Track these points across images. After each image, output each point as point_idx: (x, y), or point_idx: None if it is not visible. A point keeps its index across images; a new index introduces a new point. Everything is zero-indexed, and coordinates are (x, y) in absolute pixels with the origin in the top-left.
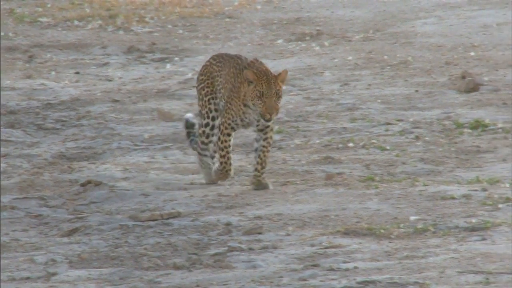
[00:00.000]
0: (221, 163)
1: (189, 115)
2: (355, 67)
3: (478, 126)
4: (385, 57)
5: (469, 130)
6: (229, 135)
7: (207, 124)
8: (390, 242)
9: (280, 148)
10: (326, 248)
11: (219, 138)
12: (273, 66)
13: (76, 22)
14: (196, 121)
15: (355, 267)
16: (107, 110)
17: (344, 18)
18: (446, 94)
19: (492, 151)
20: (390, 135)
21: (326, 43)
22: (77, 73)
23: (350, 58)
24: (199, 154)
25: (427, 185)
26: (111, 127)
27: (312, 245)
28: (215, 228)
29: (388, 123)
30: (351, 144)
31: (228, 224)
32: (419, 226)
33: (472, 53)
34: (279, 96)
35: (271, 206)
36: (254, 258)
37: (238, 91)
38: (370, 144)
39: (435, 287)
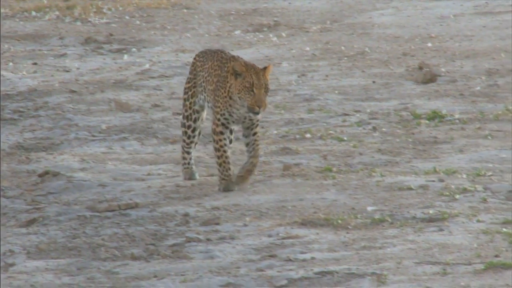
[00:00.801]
0: (219, 167)
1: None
2: (312, 58)
3: (435, 117)
4: (343, 48)
5: (426, 121)
6: (222, 133)
7: (189, 126)
8: (348, 233)
9: (238, 139)
10: (284, 238)
11: (213, 139)
12: None
13: (33, 13)
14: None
15: (313, 258)
16: (65, 101)
17: (301, 9)
18: (403, 85)
19: (449, 142)
20: (348, 126)
21: (283, 34)
22: (35, 64)
23: (307, 49)
24: (182, 149)
25: (384, 175)
26: (69, 118)
27: (270, 236)
28: (172, 218)
29: (346, 114)
30: (308, 135)
31: (186, 214)
32: (377, 216)
33: (429, 44)
34: (267, 90)
35: (229, 197)
36: (211, 248)
37: (224, 82)
38: (328, 135)
39: (392, 278)
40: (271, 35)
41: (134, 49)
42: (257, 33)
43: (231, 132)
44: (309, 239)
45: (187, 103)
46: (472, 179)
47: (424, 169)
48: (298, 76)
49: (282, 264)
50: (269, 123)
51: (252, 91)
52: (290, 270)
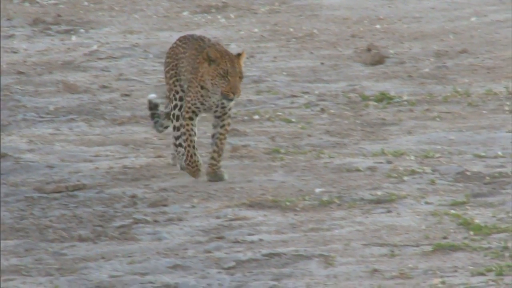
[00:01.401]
0: (185, 152)
1: (152, 96)
2: (261, 39)
3: (383, 98)
4: (291, 29)
5: (375, 103)
6: (190, 118)
7: (175, 106)
8: (296, 215)
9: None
10: (231, 220)
11: (181, 124)
12: None
13: None
14: (159, 101)
15: (260, 240)
16: (13, 82)
17: None
18: (351, 66)
19: (397, 124)
20: (296, 107)
21: (232, 16)
22: None
23: (256, 30)
24: (173, 138)
25: (332, 157)
26: (17, 99)
27: (217, 217)
28: (120, 200)
29: (294, 96)
30: (256, 117)
31: (134, 196)
32: (324, 198)
33: (378, 26)
34: (241, 77)
35: (176, 178)
36: (159, 230)
37: (196, 72)
38: (276, 117)
39: (340, 260)
40: (219, 17)
41: (82, 30)
42: (205, 15)
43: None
44: (257, 221)
45: (172, 85)
46: (420, 161)
47: (372, 151)
48: (247, 58)
49: (230, 246)
50: None
51: (227, 77)
52: (238, 252)
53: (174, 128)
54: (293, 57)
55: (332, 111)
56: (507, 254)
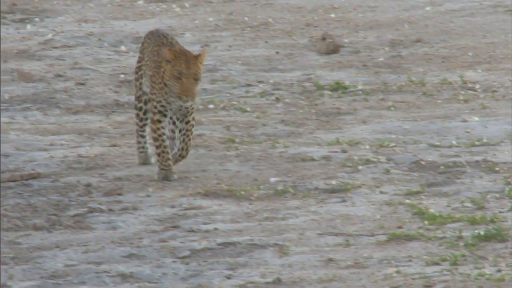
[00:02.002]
0: (158, 157)
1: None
2: (215, 28)
3: (338, 88)
4: (246, 18)
5: (329, 92)
6: (159, 121)
7: (140, 108)
8: (250, 204)
9: None
10: (186, 209)
11: (151, 129)
12: (134, 27)
13: None
14: None
15: (215, 229)
16: None
17: None
18: (306, 55)
19: (352, 113)
20: (251, 96)
21: (186, 4)
22: None
23: (210, 19)
24: (136, 132)
25: (287, 146)
26: None
27: (172, 207)
28: (75, 189)
29: (249, 85)
30: (211, 106)
31: (88, 185)
32: (279, 187)
33: (333, 15)
34: (197, 79)
35: (131, 167)
36: (114, 219)
37: (158, 68)
38: (231, 106)
39: (294, 249)
40: (174, 6)
41: (37, 19)
42: (160, 3)
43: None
44: (212, 210)
45: (137, 83)
46: (375, 150)
47: (327, 140)
48: (201, 47)
49: (185, 235)
50: None
51: (180, 79)
52: (193, 241)
53: (137, 125)
54: (248, 46)
55: (287, 100)
56: (461, 243)
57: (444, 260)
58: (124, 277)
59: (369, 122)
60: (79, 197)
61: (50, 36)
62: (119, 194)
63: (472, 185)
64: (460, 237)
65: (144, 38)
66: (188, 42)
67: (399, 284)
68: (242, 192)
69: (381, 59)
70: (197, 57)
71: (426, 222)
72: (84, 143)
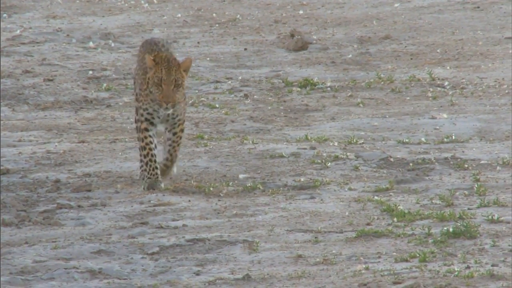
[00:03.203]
0: (145, 166)
1: None
2: (184, 25)
3: (306, 84)
4: (214, 15)
5: (298, 89)
6: (146, 130)
7: (139, 121)
8: (219, 200)
9: (108, 106)
10: (155, 206)
11: (138, 138)
12: (102, 23)
13: None
14: None
15: (184, 225)
16: None
17: None
18: (275, 52)
19: (320, 110)
20: (219, 93)
21: (155, 0)
22: None
23: (179, 15)
24: (139, 150)
25: (256, 143)
26: None
27: (141, 203)
28: (44, 185)
29: (217, 81)
30: None
31: (57, 181)
32: (248, 184)
33: (301, 12)
34: (178, 85)
35: (100, 163)
36: (83, 215)
37: (145, 75)
38: (199, 102)
39: (264, 245)
40: (142, 1)
41: (5, 15)
42: None
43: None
44: (181, 206)
45: (135, 93)
46: (343, 147)
47: (296, 137)
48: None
49: (153, 231)
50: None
51: (161, 86)
52: (162, 237)
53: (139, 139)
54: (216, 43)
55: (255, 97)
56: (430, 240)
57: (413, 256)
58: (93, 273)
59: (337, 119)
60: (48, 193)
61: (18, 32)
62: (88, 190)
63: (441, 182)
64: (429, 234)
65: (140, 47)
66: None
67: (368, 280)
68: (211, 189)
69: (350, 56)
70: (179, 64)
71: (395, 219)
72: (52, 139)
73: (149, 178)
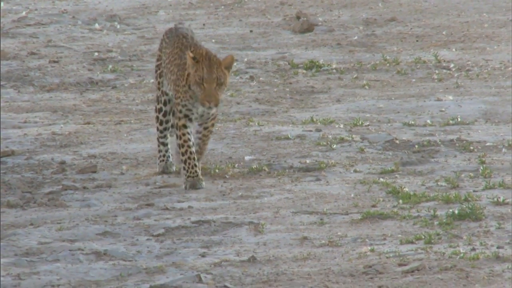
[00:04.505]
0: (184, 164)
1: None
2: (189, 7)
3: (312, 66)
4: None
5: (304, 71)
6: (185, 126)
7: (160, 110)
8: (225, 182)
9: (114, 87)
10: (161, 187)
11: (176, 135)
12: (107, 5)
13: None
14: None
15: (190, 207)
16: None
17: None
18: (280, 34)
19: (326, 92)
20: None
21: None
22: None
23: None
24: (157, 141)
25: (261, 125)
26: None
27: (147, 185)
28: (49, 166)
29: None
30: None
31: (62, 162)
32: (254, 166)
33: None
34: (220, 84)
35: (105, 145)
36: (88, 197)
37: (183, 71)
38: None
39: (269, 227)
40: None
41: None
42: None
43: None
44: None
45: (156, 82)
46: (349, 129)
47: (301, 119)
48: (175, 25)
49: (159, 213)
50: (146, 72)
51: (203, 85)
52: (167, 219)
53: (157, 129)
54: (222, 25)
55: (261, 79)
56: (436, 222)
57: (419, 238)
58: (98, 254)
59: (343, 101)
60: (53, 174)
61: (23, 13)
62: (93, 172)
63: (446, 164)
64: (434, 216)
65: (163, 36)
66: (162, 20)
67: (373, 262)
68: (217, 170)
69: (355, 38)
70: (221, 61)
71: (400, 201)
72: (58, 120)
73: (189, 176)
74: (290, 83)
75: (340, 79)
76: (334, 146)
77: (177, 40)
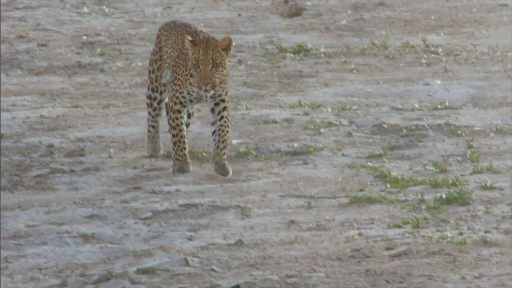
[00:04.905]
0: (174, 146)
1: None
2: None
3: (300, 50)
4: None
5: (292, 55)
6: (179, 111)
7: (155, 98)
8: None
9: (102, 71)
10: (148, 170)
11: (170, 117)
12: None
13: None
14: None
15: (177, 190)
16: None
17: None
18: (269, 18)
19: (314, 76)
20: None
21: None
22: None
23: None
24: (148, 122)
25: (249, 109)
26: None
27: (135, 168)
28: (37, 149)
29: None
30: None
31: (50, 146)
32: (241, 149)
33: None
34: (216, 64)
35: (93, 128)
36: (76, 180)
37: (185, 59)
38: None
39: (256, 211)
40: None
41: None
42: None
43: (189, 116)
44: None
45: (153, 75)
46: (337, 113)
47: (289, 103)
48: (164, 9)
49: (146, 196)
50: (134, 55)
51: (198, 67)
52: (155, 202)
53: (149, 114)
54: (210, 8)
55: (249, 62)
56: (423, 206)
57: (406, 223)
58: (86, 237)
59: (331, 85)
60: (41, 157)
61: None
62: (81, 155)
63: (434, 149)
64: (422, 200)
65: (160, 30)
66: (150, 3)
67: (360, 246)
68: (204, 154)
69: (344, 22)
70: (217, 42)
71: (388, 185)
72: (46, 104)
73: (177, 159)
74: (278, 67)
75: (328, 63)
76: (322, 130)
77: (180, 29)
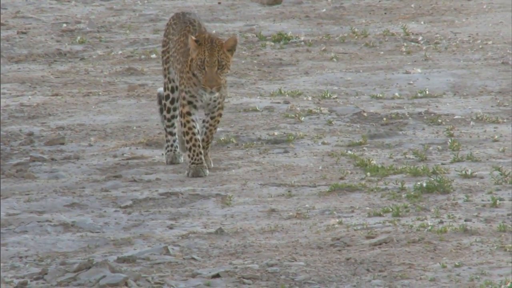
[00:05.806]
0: (189, 151)
1: (161, 90)
2: None
3: (280, 39)
4: None
5: (272, 43)
6: (189, 114)
7: (167, 97)
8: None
9: (82, 59)
10: (129, 159)
11: (181, 123)
12: None
13: None
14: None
15: (158, 179)
16: None
17: None
18: (248, 6)
19: (294, 64)
20: None
21: None
22: None
23: None
24: (165, 130)
25: (229, 97)
26: None
27: (115, 156)
28: (17, 138)
29: None
30: (153, 56)
31: (30, 134)
32: (222, 138)
33: None
34: (222, 66)
35: (74, 116)
36: (56, 168)
37: (186, 58)
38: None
39: (237, 199)
40: None
41: None
42: None
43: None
44: (154, 160)
45: (163, 68)
46: (317, 102)
47: (270, 91)
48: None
49: (127, 185)
50: (114, 43)
51: (204, 69)
52: (135, 190)
53: (165, 118)
54: None
55: None
56: (404, 195)
57: (387, 211)
58: (66, 226)
59: (311, 73)
60: (21, 146)
61: None
62: (62, 144)
63: (414, 137)
64: (402, 189)
65: (170, 21)
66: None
67: (341, 235)
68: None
69: (324, 10)
70: (223, 44)
71: (368, 173)
72: (26, 92)
73: (193, 163)
74: (258, 55)
75: (308, 52)
76: (302, 118)
77: (184, 27)
